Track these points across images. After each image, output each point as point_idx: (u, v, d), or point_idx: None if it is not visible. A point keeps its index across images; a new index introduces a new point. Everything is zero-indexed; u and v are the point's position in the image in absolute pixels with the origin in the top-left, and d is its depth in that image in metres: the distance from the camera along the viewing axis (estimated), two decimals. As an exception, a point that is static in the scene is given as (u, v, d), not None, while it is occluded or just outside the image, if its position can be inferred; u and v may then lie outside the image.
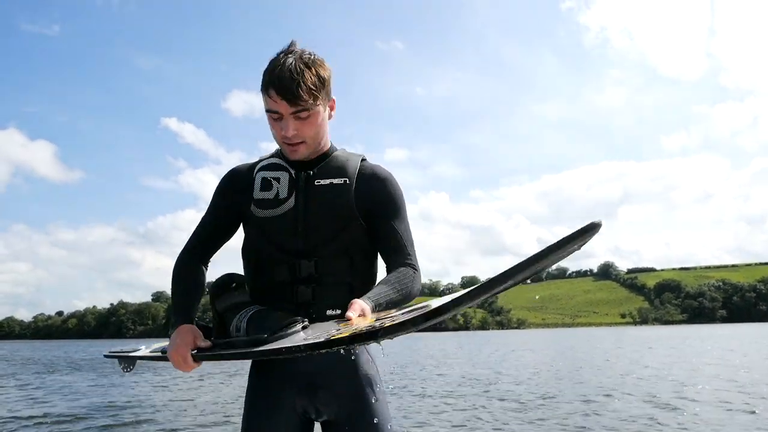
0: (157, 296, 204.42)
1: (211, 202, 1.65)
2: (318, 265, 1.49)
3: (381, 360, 1.62)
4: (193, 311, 1.50)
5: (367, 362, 1.57)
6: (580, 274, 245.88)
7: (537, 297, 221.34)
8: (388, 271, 1.52)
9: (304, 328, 1.33)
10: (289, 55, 1.44)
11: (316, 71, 1.44)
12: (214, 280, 1.61)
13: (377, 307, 1.33)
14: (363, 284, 1.52)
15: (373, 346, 1.58)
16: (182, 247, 1.62)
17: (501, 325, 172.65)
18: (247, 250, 1.59)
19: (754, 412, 6.96)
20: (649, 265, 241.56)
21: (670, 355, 19.60)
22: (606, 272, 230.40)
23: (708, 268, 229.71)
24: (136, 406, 9.22)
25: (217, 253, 1.64)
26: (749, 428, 6.09)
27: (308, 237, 1.49)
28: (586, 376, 12.23)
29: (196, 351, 1.39)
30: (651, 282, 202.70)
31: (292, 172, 1.54)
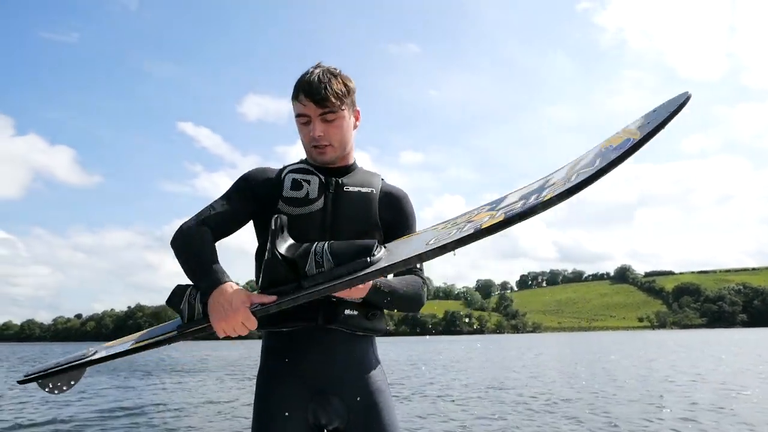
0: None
1: (232, 188, 1.62)
2: None
3: (387, 365, 1.64)
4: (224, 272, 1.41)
5: (378, 369, 1.61)
6: (597, 277, 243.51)
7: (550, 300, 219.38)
8: None
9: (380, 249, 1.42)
10: (318, 68, 1.58)
11: (341, 80, 1.58)
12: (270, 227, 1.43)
13: (378, 288, 1.46)
14: None
15: (381, 351, 1.67)
16: (185, 221, 1.54)
17: (516, 329, 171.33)
18: (263, 252, 1.56)
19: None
20: (668, 269, 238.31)
21: (714, 358, 19.27)
22: (623, 276, 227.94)
23: (728, 271, 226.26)
24: (147, 408, 9.26)
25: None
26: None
27: (333, 238, 1.53)
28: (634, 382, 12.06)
29: (258, 307, 1.33)
30: (669, 285, 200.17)
31: (322, 177, 1.60)
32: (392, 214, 1.65)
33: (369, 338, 1.62)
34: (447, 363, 20.85)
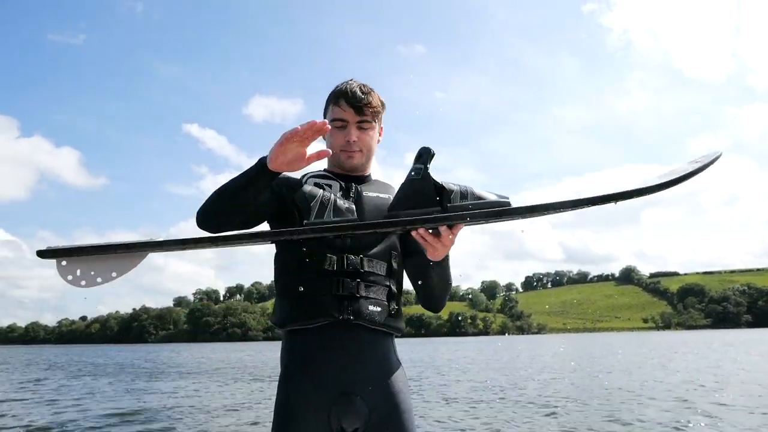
0: (179, 301, 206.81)
1: None
2: (363, 261, 1.61)
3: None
4: None
5: (400, 370, 1.66)
6: (602, 278, 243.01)
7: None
8: (414, 280, 1.71)
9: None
10: (354, 81, 1.72)
11: (378, 96, 1.73)
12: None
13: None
14: (397, 288, 1.68)
15: (401, 352, 1.72)
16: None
17: (521, 330, 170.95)
18: (288, 247, 1.63)
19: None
20: (674, 270, 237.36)
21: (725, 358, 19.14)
22: (628, 276, 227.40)
23: (733, 272, 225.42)
24: (160, 411, 9.21)
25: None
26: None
27: (353, 241, 1.61)
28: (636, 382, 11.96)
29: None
30: (674, 286, 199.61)
31: (342, 183, 1.70)
32: None
33: (390, 337, 1.67)
34: (459, 365, 20.77)
